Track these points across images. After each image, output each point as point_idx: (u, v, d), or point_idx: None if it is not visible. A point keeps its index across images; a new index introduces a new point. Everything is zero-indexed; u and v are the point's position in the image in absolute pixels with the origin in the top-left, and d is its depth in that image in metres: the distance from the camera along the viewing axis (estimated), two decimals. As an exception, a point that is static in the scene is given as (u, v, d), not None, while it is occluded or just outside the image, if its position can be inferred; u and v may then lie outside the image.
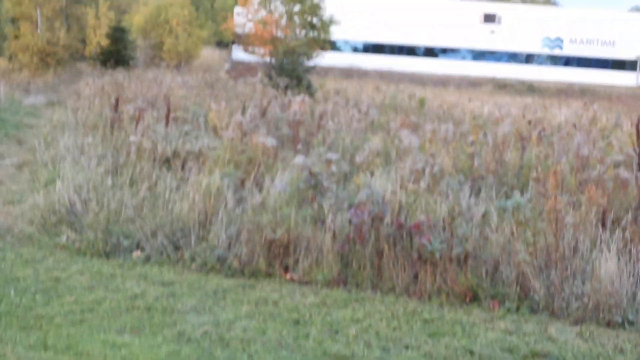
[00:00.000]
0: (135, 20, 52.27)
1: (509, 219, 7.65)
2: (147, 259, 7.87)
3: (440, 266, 7.20)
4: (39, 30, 38.83)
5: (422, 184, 9.02)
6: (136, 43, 46.98)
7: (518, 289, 7.07)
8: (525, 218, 7.51)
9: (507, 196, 9.33)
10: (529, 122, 14.91)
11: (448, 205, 7.91)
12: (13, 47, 38.31)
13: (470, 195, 8.82)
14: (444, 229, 7.43)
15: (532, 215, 7.45)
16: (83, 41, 43.96)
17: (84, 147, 11.95)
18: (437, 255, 7.09)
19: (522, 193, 8.66)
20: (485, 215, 7.83)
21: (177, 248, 8.04)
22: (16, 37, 38.54)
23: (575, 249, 7.20)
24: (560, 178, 8.05)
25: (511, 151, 12.03)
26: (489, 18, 70.69)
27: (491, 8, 73.95)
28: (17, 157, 13.39)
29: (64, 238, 8.24)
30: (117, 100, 14.50)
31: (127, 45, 41.03)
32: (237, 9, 50.87)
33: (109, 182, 9.51)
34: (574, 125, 16.33)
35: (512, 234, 7.49)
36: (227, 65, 49.29)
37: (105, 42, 41.21)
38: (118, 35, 40.53)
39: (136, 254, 7.98)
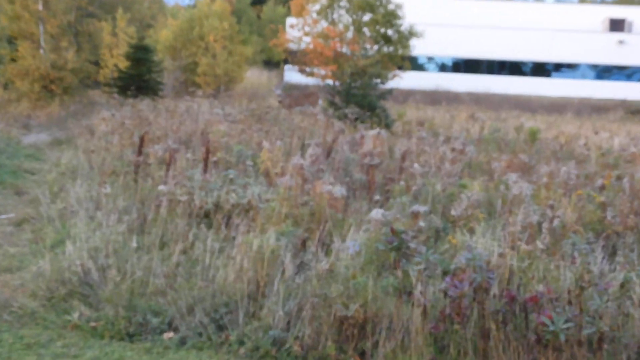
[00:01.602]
0: (162, 36, 53.07)
1: (658, 290, 7.51)
2: (182, 342, 7.89)
3: (567, 351, 7.08)
4: (41, 51, 39.68)
5: (539, 244, 8.91)
6: (163, 65, 47.68)
7: (671, 380, 6.92)
8: (679, 288, 7.36)
9: (653, 259, 9.19)
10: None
11: (574, 271, 7.78)
12: (10, 72, 38.98)
13: (603, 259, 8.69)
14: (569, 302, 7.30)
15: (688, 285, 7.30)
16: (97, 64, 44.80)
17: (100, 199, 12.10)
18: (562, 337, 6.97)
19: (672, 254, 8.51)
20: (624, 285, 7.67)
21: (220, 328, 8.05)
22: (13, 59, 39.34)
23: None
24: None
25: (656, 199, 11.84)
26: (616, 25, 70.11)
27: (619, 12, 73.44)
28: (15, 212, 13.61)
29: (75, 315, 8.30)
30: (142, 139, 14.67)
31: (151, 68, 41.62)
32: (291, 20, 51.46)
33: (134, 243, 9.61)
34: None
35: (663, 309, 7.34)
36: (278, 91, 49.75)
37: (124, 64, 41.91)
38: (140, 55, 41.17)
39: (168, 335, 8.01)
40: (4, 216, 13.39)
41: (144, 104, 28.95)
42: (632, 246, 9.78)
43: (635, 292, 7.68)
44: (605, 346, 7.14)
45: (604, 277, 7.92)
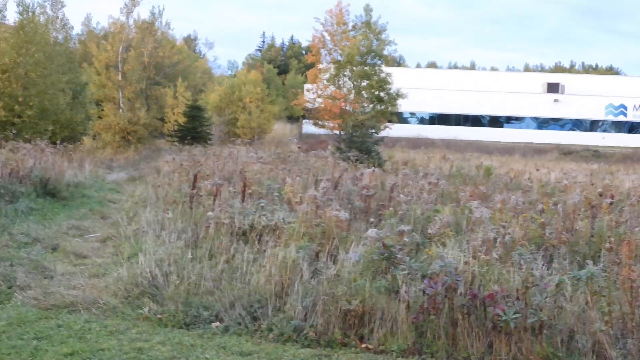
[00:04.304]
0: (211, 98, 53.45)
1: (584, 289, 7.47)
2: (226, 330, 7.85)
3: (515, 335, 7.04)
4: (121, 111, 40.01)
5: (494, 255, 8.87)
6: (212, 120, 47.91)
7: (594, 358, 6.86)
8: (599, 287, 7.32)
9: (580, 266, 9.14)
10: (600, 194, 14.50)
11: (521, 275, 7.75)
12: (97, 127, 39.56)
13: (542, 265, 8.65)
14: (517, 299, 7.27)
15: (606, 285, 7.26)
16: (162, 119, 45.10)
17: (164, 222, 12.08)
18: (512, 324, 6.94)
19: (594, 262, 8.45)
20: (559, 285, 7.63)
21: (254, 319, 8.01)
22: (100, 117, 39.81)
23: (652, 318, 6.95)
24: (634, 247, 7.83)
25: (582, 220, 11.75)
26: (553, 88, 70.42)
27: (554, 78, 73.73)
28: (101, 232, 13.61)
29: (146, 310, 8.28)
30: (195, 177, 14.69)
31: (203, 122, 41.84)
32: (307, 86, 51.71)
33: (189, 255, 9.56)
34: (644, 193, 15.91)
35: (587, 303, 7.30)
36: (295, 140, 49.86)
37: (182, 119, 42.11)
38: (195, 113, 41.36)
39: (215, 324, 7.97)
40: (92, 235, 13.41)
41: (197, 150, 28.95)
42: (564, 256, 9.71)
43: (567, 291, 7.65)
44: (545, 331, 7.10)
45: (544, 279, 7.87)
